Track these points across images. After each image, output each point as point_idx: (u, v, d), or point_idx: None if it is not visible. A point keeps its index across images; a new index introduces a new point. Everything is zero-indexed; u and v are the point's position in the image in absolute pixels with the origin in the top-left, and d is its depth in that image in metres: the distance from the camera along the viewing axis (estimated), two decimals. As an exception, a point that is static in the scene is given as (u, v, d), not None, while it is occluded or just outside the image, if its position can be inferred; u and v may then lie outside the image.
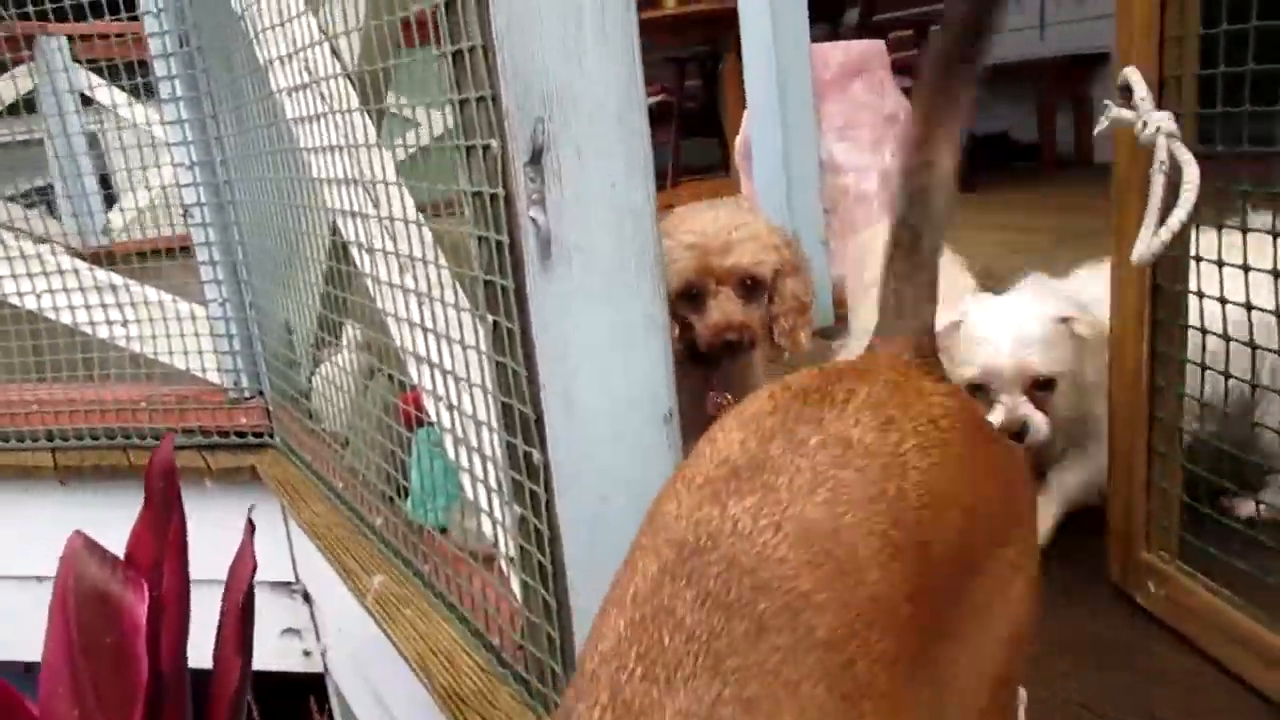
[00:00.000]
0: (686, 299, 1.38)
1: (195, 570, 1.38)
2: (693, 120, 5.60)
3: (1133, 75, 1.13)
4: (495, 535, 1.22)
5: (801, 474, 0.62)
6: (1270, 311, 1.04)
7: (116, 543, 1.40)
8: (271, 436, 2.22)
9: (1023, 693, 0.88)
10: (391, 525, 1.61)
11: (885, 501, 0.63)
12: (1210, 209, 1.08)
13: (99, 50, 2.56)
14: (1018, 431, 1.37)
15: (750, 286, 1.37)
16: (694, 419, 1.40)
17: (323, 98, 1.42)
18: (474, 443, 1.20)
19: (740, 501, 0.61)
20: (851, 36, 4.56)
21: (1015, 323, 1.39)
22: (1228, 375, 1.13)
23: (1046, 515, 1.47)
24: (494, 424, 1.12)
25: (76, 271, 2.34)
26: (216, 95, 2.05)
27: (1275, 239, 1.02)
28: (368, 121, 1.38)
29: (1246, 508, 1.32)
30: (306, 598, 2.18)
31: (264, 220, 1.99)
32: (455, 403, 1.22)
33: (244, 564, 1.23)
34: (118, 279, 2.33)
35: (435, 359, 1.25)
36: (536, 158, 0.93)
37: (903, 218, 0.78)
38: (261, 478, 2.13)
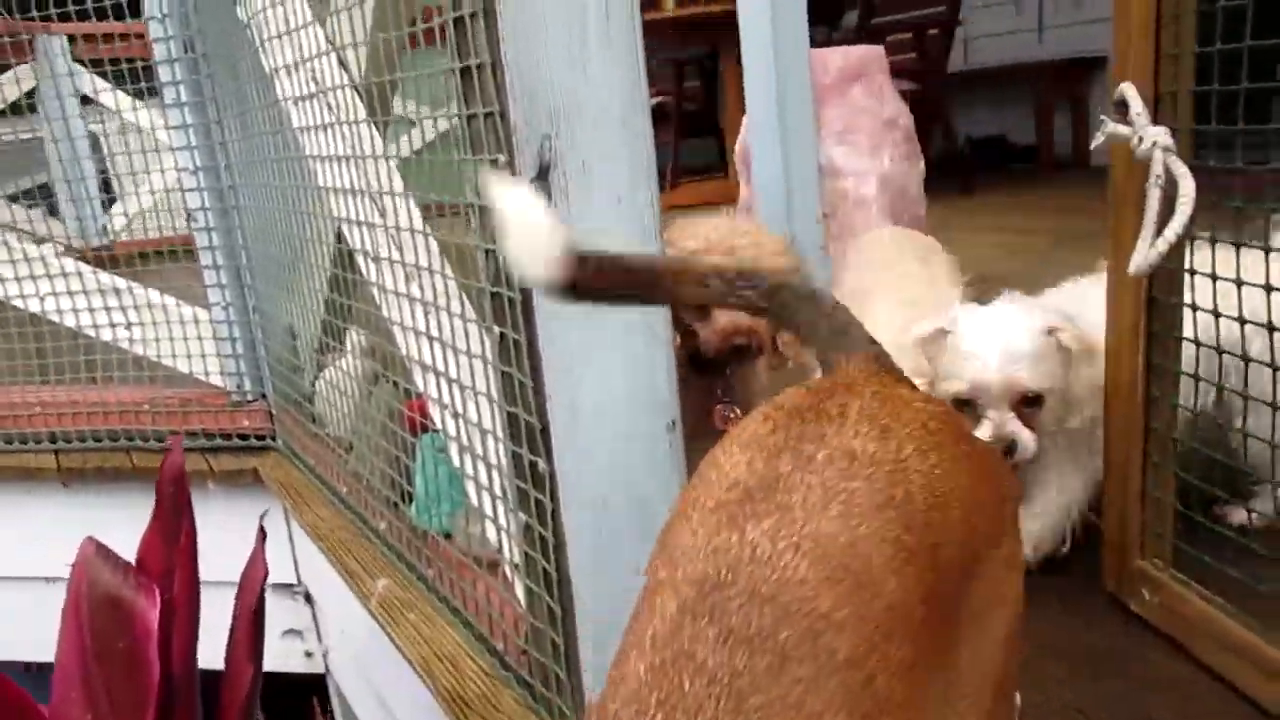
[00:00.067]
0: (691, 306, 1.39)
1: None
2: (692, 121, 5.61)
3: (1129, 91, 1.15)
4: (500, 542, 1.24)
5: (814, 490, 0.63)
6: (1261, 325, 1.05)
7: (119, 545, 1.41)
8: (274, 439, 2.24)
9: (1017, 697, 0.89)
10: (395, 530, 1.62)
11: (894, 508, 0.64)
12: (1205, 223, 1.09)
13: (100, 51, 2.57)
14: (1005, 449, 1.33)
15: None
16: (697, 428, 1.42)
17: (329, 107, 1.43)
18: (479, 450, 1.22)
19: (758, 525, 0.61)
20: (850, 39, 4.58)
21: (1004, 336, 1.35)
22: (1221, 387, 1.15)
23: (1030, 536, 1.44)
24: (499, 432, 1.13)
25: (80, 274, 2.36)
26: (221, 101, 2.06)
27: (1267, 254, 1.03)
28: (374, 132, 1.39)
29: (1239, 516, 1.34)
30: (308, 599, 2.19)
31: (268, 225, 2.00)
32: (461, 411, 1.24)
33: (255, 569, 1.25)
34: (121, 282, 2.34)
35: (441, 367, 1.26)
36: (543, 173, 0.95)
37: (775, 317, 0.81)
38: (264, 480, 2.14)
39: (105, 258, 2.51)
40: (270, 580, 2.03)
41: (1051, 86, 5.07)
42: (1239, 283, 1.07)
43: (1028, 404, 1.35)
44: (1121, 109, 1.15)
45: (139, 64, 2.22)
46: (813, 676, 0.56)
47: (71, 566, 1.18)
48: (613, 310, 1.00)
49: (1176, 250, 1.10)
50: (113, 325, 2.33)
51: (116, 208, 3.65)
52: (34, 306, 2.40)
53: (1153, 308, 1.22)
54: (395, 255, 1.34)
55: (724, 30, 3.71)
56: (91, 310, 2.34)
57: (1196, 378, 1.19)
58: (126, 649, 1.09)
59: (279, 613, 2.21)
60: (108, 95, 3.70)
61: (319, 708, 2.06)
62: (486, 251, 1.04)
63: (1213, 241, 1.12)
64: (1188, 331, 1.19)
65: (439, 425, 1.39)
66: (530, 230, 0.67)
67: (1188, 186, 1.08)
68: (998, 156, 5.54)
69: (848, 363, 0.79)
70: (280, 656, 2.21)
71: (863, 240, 2.26)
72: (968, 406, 1.37)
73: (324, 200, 1.61)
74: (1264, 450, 1.12)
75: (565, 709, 1.11)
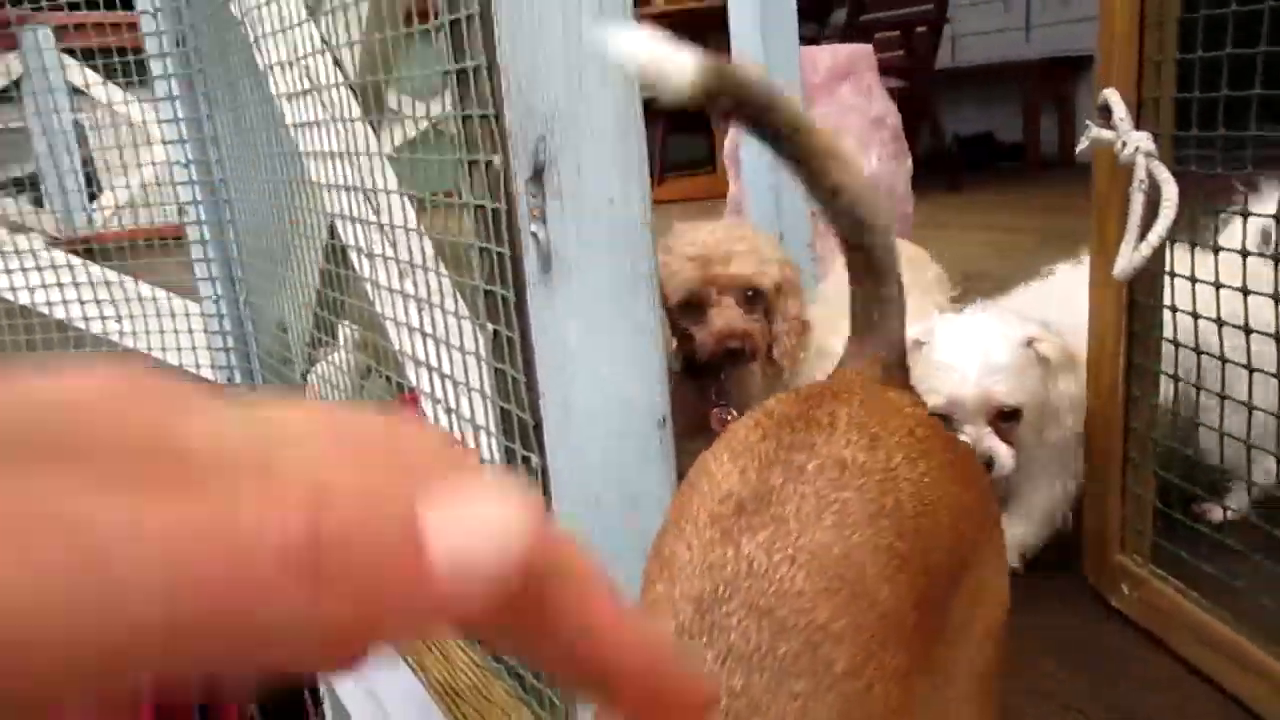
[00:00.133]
0: (688, 310, 1.41)
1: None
2: (680, 116, 5.61)
3: (1112, 96, 1.17)
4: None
5: (806, 501, 0.63)
6: (1238, 327, 1.08)
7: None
8: (264, 433, 2.25)
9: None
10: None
11: (886, 516, 0.64)
12: (1185, 227, 1.12)
13: (83, 38, 2.56)
14: (983, 465, 1.28)
15: (751, 297, 1.40)
16: (693, 429, 1.44)
17: (324, 106, 1.44)
18: (472, 445, 1.23)
19: (753, 538, 0.61)
20: (839, 37, 4.59)
21: (981, 348, 1.32)
22: (1199, 388, 1.18)
23: (1015, 539, 1.44)
24: (492, 428, 1.15)
25: (70, 267, 2.35)
26: (213, 94, 2.07)
27: (1244, 258, 1.06)
28: (368, 130, 1.40)
29: (1218, 514, 1.37)
30: (297, 592, 2.20)
31: (260, 219, 2.01)
32: (454, 406, 1.25)
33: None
34: (112, 275, 2.34)
35: (434, 364, 1.28)
36: (538, 174, 0.96)
37: (843, 234, 0.78)
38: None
39: (93, 248, 2.50)
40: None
41: (1038, 85, 5.10)
42: (1217, 285, 1.10)
43: (1005, 418, 1.32)
44: (1105, 114, 1.18)
45: (130, 57, 2.22)
46: (812, 690, 0.56)
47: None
48: (606, 310, 1.02)
49: (1157, 253, 1.12)
50: (103, 318, 2.33)
51: (105, 198, 3.64)
52: (24, 299, 2.40)
53: (1133, 309, 1.25)
54: (389, 252, 1.35)
55: (713, 26, 3.72)
56: (82, 303, 2.34)
57: (1176, 378, 1.22)
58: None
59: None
60: (88, 82, 3.68)
61: (310, 700, 2.07)
62: (481, 250, 1.05)
63: (1192, 246, 1.14)
64: (1167, 332, 1.21)
65: (431, 420, 1.41)
66: (661, 53, 0.68)
67: (1170, 191, 1.10)
68: (985, 154, 5.57)
69: (851, 363, 0.80)
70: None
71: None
72: (944, 421, 1.32)
73: (317, 195, 1.61)
74: (1240, 450, 1.15)
75: (556, 699, 1.13)
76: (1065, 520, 1.45)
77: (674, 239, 1.41)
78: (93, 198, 3.70)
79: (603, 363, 1.04)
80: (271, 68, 1.59)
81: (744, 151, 2.74)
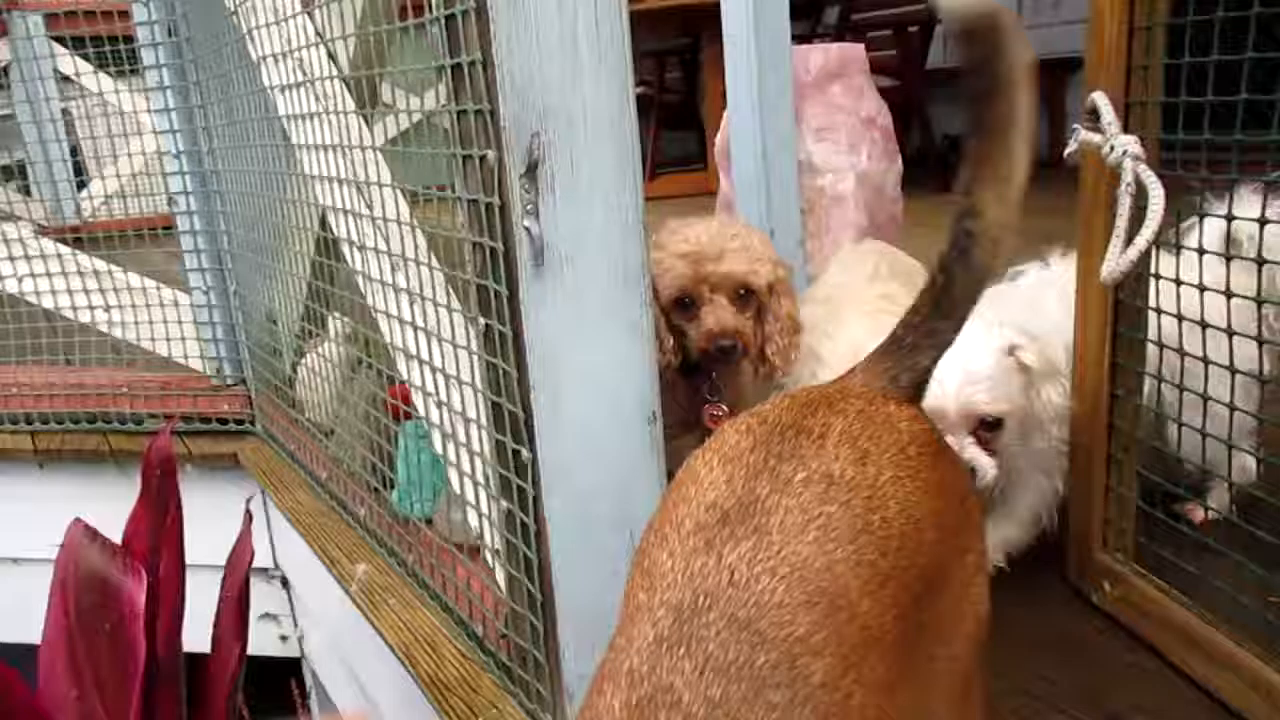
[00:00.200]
0: (680, 307, 1.41)
1: (180, 555, 1.41)
2: (672, 113, 5.62)
3: (1100, 100, 1.18)
4: (481, 528, 1.26)
5: (791, 513, 0.64)
6: (1221, 329, 1.09)
7: (95, 526, 1.42)
8: (253, 424, 2.25)
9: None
10: (375, 515, 1.64)
11: (870, 532, 0.65)
12: (1170, 229, 1.13)
13: (73, 25, 2.54)
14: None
15: (744, 296, 1.41)
16: (684, 426, 1.44)
17: (317, 98, 1.45)
18: (462, 438, 1.24)
19: (735, 549, 0.62)
20: (831, 36, 4.60)
21: (962, 356, 1.26)
22: (1182, 388, 1.19)
23: (1000, 542, 1.44)
24: (483, 421, 1.15)
25: (60, 256, 2.35)
26: (204, 85, 2.06)
27: (1228, 261, 1.07)
28: (361, 123, 1.41)
29: (1199, 513, 1.39)
30: (285, 583, 2.21)
31: (251, 210, 2.01)
32: (445, 399, 1.26)
33: (242, 553, 1.27)
34: (100, 264, 2.34)
35: (426, 357, 1.28)
36: (532, 170, 0.97)
37: (942, 259, 0.78)
38: (242, 464, 2.15)
39: (82, 237, 2.49)
40: (248, 564, 2.04)
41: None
42: (1201, 288, 1.11)
43: (987, 427, 1.32)
44: (1093, 117, 1.19)
45: (121, 45, 2.22)
46: (789, 702, 0.57)
47: (59, 547, 1.19)
48: (598, 306, 1.03)
49: (1143, 255, 1.14)
50: (92, 308, 2.32)
51: (94, 187, 3.63)
52: (11, 287, 2.39)
53: (1119, 310, 1.26)
54: (381, 245, 1.36)
55: (706, 22, 3.73)
56: (70, 292, 2.33)
57: (1160, 378, 1.23)
58: (113, 628, 1.11)
59: (256, 596, 2.20)
60: (78, 70, 3.67)
61: (298, 690, 2.08)
62: (474, 244, 1.06)
63: (1178, 249, 1.16)
64: (1151, 333, 1.23)
65: (421, 412, 1.41)
66: None
67: (1157, 194, 1.11)
68: (974, 154, 5.58)
69: (861, 374, 0.80)
70: (257, 639, 2.22)
71: (847, 251, 2.26)
72: None
73: (309, 187, 1.62)
74: (1221, 449, 1.17)
75: (543, 691, 1.14)
76: (1051, 520, 1.46)
77: (667, 236, 1.41)
78: (81, 186, 3.69)
79: (594, 358, 1.04)
80: (265, 59, 1.59)
81: (735, 150, 2.74)
